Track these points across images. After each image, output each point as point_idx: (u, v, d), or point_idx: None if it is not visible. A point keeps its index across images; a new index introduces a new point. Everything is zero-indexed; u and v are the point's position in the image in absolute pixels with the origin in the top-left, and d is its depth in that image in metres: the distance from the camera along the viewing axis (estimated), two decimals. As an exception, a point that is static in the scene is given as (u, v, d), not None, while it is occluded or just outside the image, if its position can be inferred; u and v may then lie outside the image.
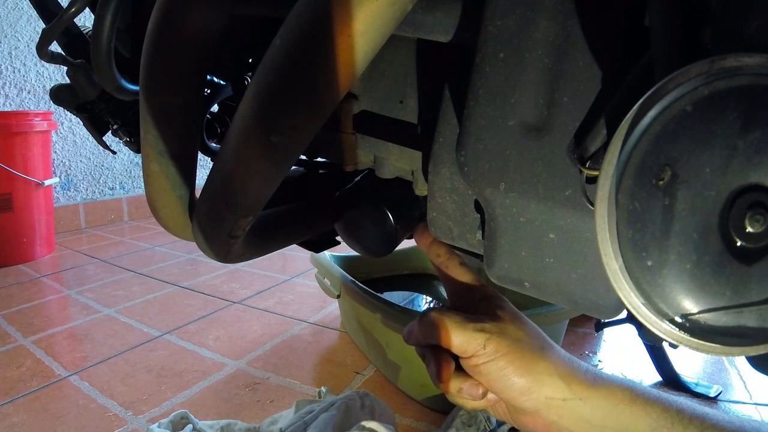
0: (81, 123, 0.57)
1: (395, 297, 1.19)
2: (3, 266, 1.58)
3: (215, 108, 0.59)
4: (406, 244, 0.51)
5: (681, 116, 0.18)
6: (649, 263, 0.19)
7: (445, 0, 0.31)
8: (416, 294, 1.21)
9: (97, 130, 0.53)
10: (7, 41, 1.90)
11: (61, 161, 2.12)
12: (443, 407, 0.76)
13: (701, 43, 0.21)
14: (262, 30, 0.49)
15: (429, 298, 1.19)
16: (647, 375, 0.88)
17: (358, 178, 0.58)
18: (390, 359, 0.83)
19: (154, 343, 1.02)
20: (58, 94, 0.49)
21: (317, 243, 0.61)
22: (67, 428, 0.73)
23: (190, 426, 0.59)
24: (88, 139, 2.18)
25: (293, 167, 0.57)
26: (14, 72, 1.93)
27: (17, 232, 1.60)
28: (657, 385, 0.86)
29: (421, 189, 0.42)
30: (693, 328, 0.19)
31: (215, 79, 0.55)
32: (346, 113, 0.42)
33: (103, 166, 2.29)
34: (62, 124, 2.09)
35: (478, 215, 0.36)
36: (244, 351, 0.98)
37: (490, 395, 0.36)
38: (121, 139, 0.54)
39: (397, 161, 0.43)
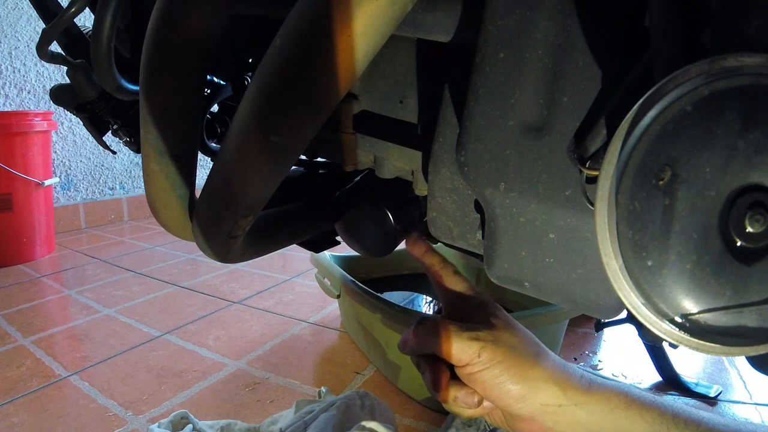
0: (81, 123, 0.57)
1: (395, 297, 1.19)
2: (3, 266, 1.58)
3: (215, 108, 0.59)
4: (406, 244, 0.51)
5: (681, 116, 0.18)
6: (649, 263, 0.19)
7: (445, 0, 0.31)
8: (416, 294, 1.21)
9: (97, 130, 0.53)
10: (7, 41, 1.90)
11: (61, 161, 2.12)
12: (443, 407, 0.76)
13: (701, 43, 0.21)
14: (262, 30, 0.49)
15: (429, 298, 1.19)
16: (647, 375, 0.88)
17: (358, 178, 0.58)
18: (390, 359, 0.83)
19: (154, 343, 1.02)
20: (58, 94, 0.49)
21: (317, 243, 0.61)
22: (67, 428, 0.73)
23: (190, 426, 0.59)
24: (88, 139, 2.18)
25: (293, 167, 0.57)
26: (14, 72, 1.93)
27: (17, 232, 1.60)
28: (657, 385, 0.86)
29: (421, 189, 0.42)
30: (693, 328, 0.19)
31: (215, 79, 0.55)
32: (346, 113, 0.42)
33: (103, 166, 2.29)
34: (62, 124, 2.09)
35: (478, 215, 0.36)
36: (244, 351, 0.98)
37: (486, 403, 0.36)
38: (121, 139, 0.54)
39: (397, 161, 0.43)
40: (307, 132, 0.28)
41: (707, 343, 0.19)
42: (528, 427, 0.36)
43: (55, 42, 0.44)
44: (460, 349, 0.34)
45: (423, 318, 0.38)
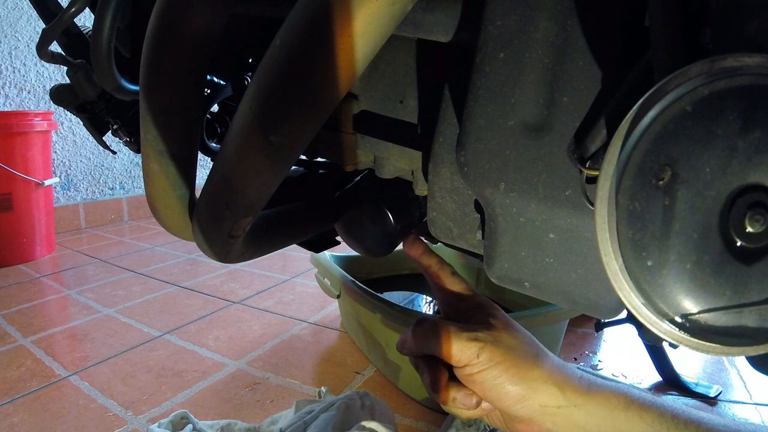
0: (81, 123, 0.57)
1: (395, 297, 1.19)
2: (3, 266, 1.58)
3: (215, 108, 0.59)
4: (406, 244, 0.51)
5: (681, 116, 0.18)
6: (649, 263, 0.19)
7: (445, 0, 0.31)
8: (416, 294, 1.21)
9: (97, 130, 0.53)
10: (7, 41, 1.90)
11: (61, 161, 2.12)
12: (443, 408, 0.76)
13: (701, 43, 0.21)
14: (262, 30, 0.49)
15: (429, 298, 1.19)
16: (647, 375, 0.88)
17: (358, 178, 0.58)
18: (390, 359, 0.83)
19: (154, 343, 1.02)
20: (58, 94, 0.49)
21: (317, 243, 0.61)
22: (67, 428, 0.73)
23: (190, 426, 0.59)
24: (88, 139, 2.18)
25: (293, 167, 0.57)
26: (14, 72, 1.93)
27: (17, 232, 1.60)
28: (657, 385, 0.86)
29: (421, 189, 0.42)
30: (693, 328, 0.19)
31: (215, 79, 0.55)
32: (346, 113, 0.42)
33: (103, 166, 2.29)
34: (62, 124, 2.09)
35: (478, 215, 0.36)
36: (244, 351, 0.98)
37: (484, 404, 0.36)
38: (121, 139, 0.54)
39: (397, 161, 0.43)
40: (307, 132, 0.28)
41: (707, 343, 0.19)
42: (527, 428, 0.36)
43: (55, 42, 0.44)
44: (459, 349, 0.34)
45: (422, 319, 0.37)
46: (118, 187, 2.37)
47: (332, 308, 1.20)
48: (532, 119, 0.28)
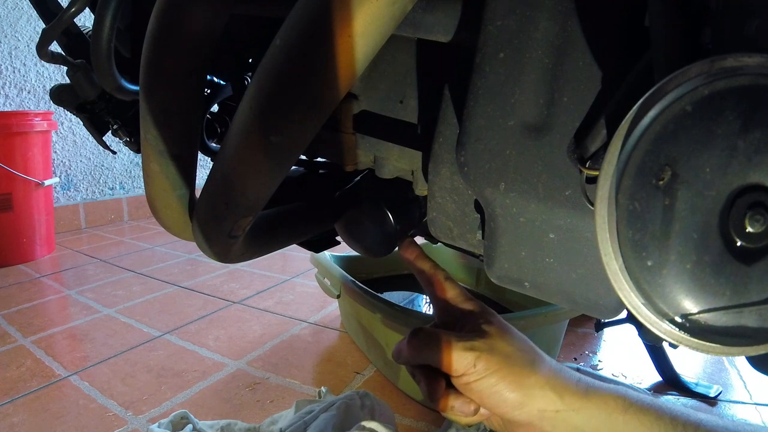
0: (81, 123, 0.57)
1: (395, 297, 1.19)
2: (3, 266, 1.58)
3: (215, 108, 0.59)
4: (406, 244, 0.51)
5: (681, 116, 0.18)
6: (649, 263, 0.19)
7: (445, 0, 0.31)
8: (416, 294, 1.21)
9: (97, 130, 0.52)
10: (7, 41, 1.90)
11: (61, 161, 2.12)
12: (443, 407, 0.76)
13: (701, 43, 0.21)
14: (262, 30, 0.49)
15: (429, 298, 1.19)
16: (647, 375, 0.88)
17: (358, 178, 0.58)
18: (390, 359, 0.83)
19: (154, 343, 1.02)
20: (58, 94, 0.49)
21: (317, 243, 0.61)
22: (67, 428, 0.73)
23: (190, 426, 0.59)
24: (88, 139, 2.18)
25: (293, 167, 0.57)
26: (14, 72, 1.93)
27: (17, 232, 1.60)
28: (657, 385, 0.86)
29: (421, 189, 0.42)
30: (693, 328, 0.19)
31: (215, 79, 0.55)
32: (346, 113, 0.42)
33: (103, 166, 2.29)
34: (62, 124, 2.09)
35: (478, 215, 0.36)
36: (244, 351, 0.98)
37: (482, 410, 0.36)
38: (121, 139, 0.54)
39: (397, 161, 0.43)
40: (307, 132, 0.28)
41: (707, 343, 0.19)
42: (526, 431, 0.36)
43: (55, 42, 0.44)
44: (456, 359, 0.34)
45: (417, 329, 0.37)
46: (118, 187, 2.37)
47: (332, 308, 1.20)
48: (532, 119, 0.28)
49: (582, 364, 0.93)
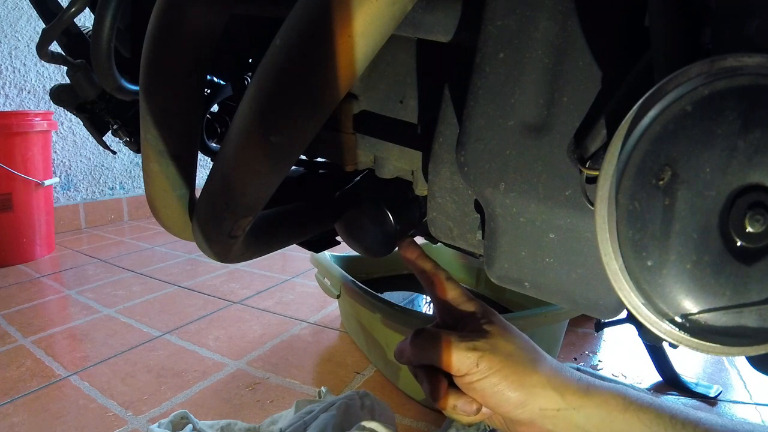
0: (81, 123, 0.57)
1: (395, 297, 1.19)
2: (3, 266, 1.58)
3: (215, 108, 0.59)
4: (406, 244, 0.51)
5: (681, 116, 0.18)
6: (649, 263, 0.19)
7: (445, 0, 0.31)
8: (416, 294, 1.21)
9: (97, 130, 0.52)
10: (7, 41, 1.90)
11: (61, 161, 2.12)
12: (443, 407, 0.76)
13: (701, 43, 0.21)
14: (262, 30, 0.49)
15: (429, 298, 1.19)
16: (647, 375, 0.88)
17: (358, 178, 0.58)
18: (390, 359, 0.83)
19: (154, 343, 1.02)
20: (58, 94, 0.49)
21: (317, 243, 0.61)
22: (67, 428, 0.73)
23: (190, 426, 0.59)
24: (88, 139, 2.18)
25: (293, 167, 0.57)
26: (14, 72, 1.93)
27: (17, 232, 1.60)
28: (657, 385, 0.86)
29: (421, 189, 0.42)
30: (693, 328, 0.19)
31: (215, 79, 0.55)
32: (346, 113, 0.42)
33: (103, 166, 2.29)
34: (62, 124, 2.09)
35: (478, 215, 0.36)
36: (244, 351, 0.98)
37: (485, 409, 0.36)
38: (121, 139, 0.54)
39: (397, 161, 0.43)
40: (307, 132, 0.28)
41: (707, 343, 0.19)
42: (527, 430, 0.36)
43: (55, 42, 0.44)
44: (458, 359, 0.35)
45: (419, 329, 0.38)
46: (118, 187, 2.37)
47: (332, 308, 1.20)
48: (532, 119, 0.28)
49: (582, 364, 0.93)
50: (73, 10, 0.39)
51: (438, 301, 0.42)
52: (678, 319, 0.19)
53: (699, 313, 0.19)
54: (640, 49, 0.25)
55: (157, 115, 0.33)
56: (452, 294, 0.41)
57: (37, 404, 0.79)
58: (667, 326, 0.20)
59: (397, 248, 0.51)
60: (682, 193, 0.19)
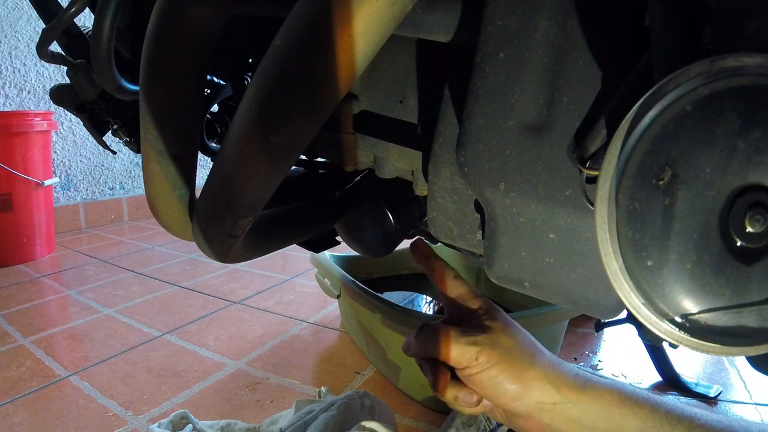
0: (81, 123, 0.57)
1: (395, 297, 1.19)
2: (3, 266, 1.58)
3: (215, 108, 0.59)
4: (407, 244, 0.51)
5: (681, 116, 0.18)
6: (649, 263, 0.19)
7: (445, 0, 0.31)
8: (416, 294, 1.21)
9: (97, 130, 0.52)
10: (7, 41, 1.90)
11: (61, 161, 2.12)
12: (443, 407, 0.76)
13: (701, 43, 0.21)
14: (262, 30, 0.49)
15: (429, 298, 1.19)
16: (647, 375, 0.88)
17: (358, 178, 0.58)
18: (390, 359, 0.83)
19: (154, 343, 1.02)
20: (58, 94, 0.49)
21: (317, 243, 0.61)
22: (67, 428, 0.73)
23: (190, 426, 0.59)
24: (88, 139, 2.18)
25: (293, 167, 0.57)
26: (14, 72, 1.93)
27: (17, 232, 1.60)
28: (657, 385, 0.86)
29: (421, 189, 0.42)
30: (693, 328, 0.19)
31: (215, 79, 0.55)
32: (346, 113, 0.42)
33: (103, 166, 2.29)
34: (62, 124, 2.09)
35: (478, 215, 0.36)
36: (244, 351, 0.98)
37: (485, 401, 0.38)
38: (121, 139, 0.54)
39: (397, 161, 0.43)
40: (307, 132, 0.28)
41: (707, 343, 0.19)
42: (526, 423, 0.37)
43: (55, 42, 0.44)
44: (459, 353, 0.36)
45: (424, 324, 0.39)
46: (118, 187, 2.37)
47: (332, 308, 1.20)
48: (532, 119, 0.28)
49: (582, 364, 0.93)
50: (73, 10, 0.39)
51: (446, 298, 0.43)
52: (678, 319, 0.19)
53: (699, 313, 0.19)
54: (640, 49, 0.25)
55: (157, 115, 0.33)
56: (459, 291, 0.42)
57: (37, 404, 0.79)
58: (667, 326, 0.20)
59: (397, 248, 0.51)
60: (682, 193, 0.19)
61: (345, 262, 1.11)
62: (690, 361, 0.92)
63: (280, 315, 1.17)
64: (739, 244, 0.18)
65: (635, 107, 0.19)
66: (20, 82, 1.95)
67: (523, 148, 0.29)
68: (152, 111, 0.33)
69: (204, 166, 2.09)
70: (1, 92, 1.90)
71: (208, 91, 0.55)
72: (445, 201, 0.37)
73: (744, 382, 0.85)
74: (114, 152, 0.64)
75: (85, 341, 1.03)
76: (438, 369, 0.38)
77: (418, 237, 0.45)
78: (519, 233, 0.31)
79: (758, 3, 0.18)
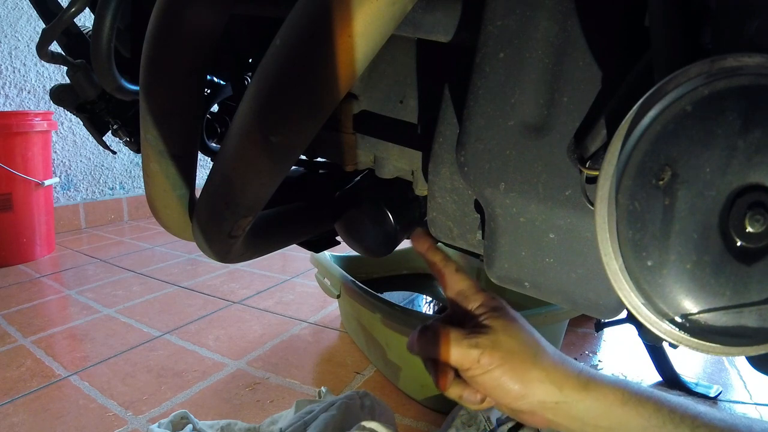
0: (81, 123, 0.57)
1: (395, 297, 1.19)
2: (3, 266, 1.58)
3: (215, 108, 0.59)
4: (406, 244, 0.51)
5: (681, 116, 0.18)
6: (649, 263, 0.19)
7: (445, 0, 0.31)
8: (416, 294, 1.21)
9: (97, 130, 0.52)
10: (7, 41, 1.90)
11: (61, 161, 2.12)
12: (443, 407, 0.76)
13: (701, 43, 0.21)
14: (262, 30, 0.49)
15: (429, 298, 1.19)
16: (647, 375, 0.88)
17: (358, 178, 0.58)
18: (390, 359, 0.83)
19: (154, 343, 1.02)
20: (58, 94, 0.49)
21: (317, 243, 0.61)
22: (67, 428, 0.73)
23: (190, 426, 0.59)
24: (88, 139, 2.18)
25: (293, 167, 0.57)
26: (14, 72, 1.93)
27: (17, 232, 1.60)
28: (657, 385, 0.86)
29: (421, 189, 0.42)
30: (693, 328, 0.19)
31: (215, 79, 0.55)
32: (346, 113, 0.42)
33: (103, 166, 2.29)
34: (62, 124, 2.09)
35: (478, 215, 0.36)
36: (244, 351, 0.98)
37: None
38: (121, 139, 0.54)
39: (397, 161, 0.43)
40: (306, 132, 0.28)
41: (707, 343, 0.19)
42: (530, 418, 0.38)
43: (55, 42, 0.44)
44: (460, 356, 0.36)
45: (425, 326, 0.39)
46: (118, 187, 2.37)
47: (332, 308, 1.20)
48: (532, 119, 0.28)
49: (582, 364, 0.93)
50: (73, 10, 0.39)
51: (448, 293, 0.43)
52: (678, 319, 0.19)
53: (699, 313, 0.19)
54: (640, 49, 0.24)
55: (157, 115, 0.33)
56: (461, 286, 0.41)
57: (37, 404, 0.79)
58: (667, 326, 0.20)
59: (396, 248, 0.51)
60: (682, 193, 0.19)
61: (345, 262, 1.11)
62: (690, 361, 0.92)
63: (280, 315, 1.17)
64: (739, 244, 0.18)
65: (635, 107, 0.19)
66: (20, 82, 1.95)
67: (523, 148, 0.29)
68: (152, 111, 0.33)
69: (204, 166, 2.09)
70: (1, 92, 1.90)
71: (208, 91, 0.55)
72: (445, 201, 0.37)
73: (744, 382, 0.85)
74: (114, 152, 0.64)
75: (85, 341, 1.03)
76: (442, 368, 0.38)
77: (419, 228, 0.44)
78: (519, 233, 0.31)
79: (758, 3, 0.18)
